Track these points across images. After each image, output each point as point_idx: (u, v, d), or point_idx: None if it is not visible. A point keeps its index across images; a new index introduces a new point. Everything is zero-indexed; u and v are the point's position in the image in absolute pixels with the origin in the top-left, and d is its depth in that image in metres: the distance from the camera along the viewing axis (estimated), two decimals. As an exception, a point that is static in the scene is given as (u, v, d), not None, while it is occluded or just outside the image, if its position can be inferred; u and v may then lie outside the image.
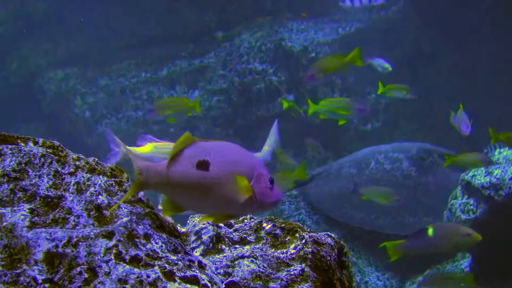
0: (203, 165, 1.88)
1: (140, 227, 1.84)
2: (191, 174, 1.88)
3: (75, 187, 1.90)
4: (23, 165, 1.88)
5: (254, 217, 2.42)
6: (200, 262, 1.89)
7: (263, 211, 2.00)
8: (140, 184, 1.89)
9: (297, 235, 2.19)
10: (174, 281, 1.73)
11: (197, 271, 1.81)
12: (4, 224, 1.72)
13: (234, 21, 9.03)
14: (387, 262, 5.68)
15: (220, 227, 2.30)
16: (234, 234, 2.29)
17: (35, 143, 1.97)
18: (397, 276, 6.08)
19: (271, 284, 1.97)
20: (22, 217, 1.75)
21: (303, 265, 2.06)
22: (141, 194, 1.99)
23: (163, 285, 1.69)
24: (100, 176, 1.96)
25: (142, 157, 2.02)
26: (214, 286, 1.80)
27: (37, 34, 9.41)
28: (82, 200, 1.86)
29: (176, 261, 1.80)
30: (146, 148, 3.98)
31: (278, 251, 2.16)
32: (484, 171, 5.36)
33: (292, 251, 2.14)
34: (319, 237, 2.18)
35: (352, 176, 6.22)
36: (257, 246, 2.20)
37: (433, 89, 8.65)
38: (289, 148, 7.57)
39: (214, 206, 1.92)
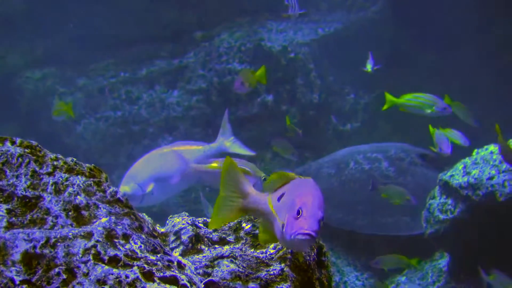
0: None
1: (119, 227, 1.83)
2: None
3: (53, 187, 1.89)
4: (0, 165, 1.86)
5: (234, 217, 2.42)
6: (179, 262, 1.89)
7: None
8: (240, 209, 1.96)
9: (276, 235, 2.19)
10: (153, 281, 1.72)
11: (177, 271, 1.81)
12: (-19, 224, 1.70)
13: (214, 21, 9.01)
14: (364, 261, 5.72)
15: (199, 227, 2.30)
16: (213, 234, 2.29)
17: (13, 143, 1.95)
18: (376, 275, 6.11)
19: (251, 284, 1.97)
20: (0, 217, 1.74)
21: (283, 265, 2.07)
22: (120, 194, 1.98)
23: (142, 285, 1.68)
24: (79, 176, 1.95)
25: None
26: (193, 286, 1.80)
27: (14, 33, 9.32)
28: (60, 201, 1.85)
29: (155, 261, 1.80)
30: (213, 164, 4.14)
31: (258, 251, 2.17)
32: (462, 171, 5.40)
33: (272, 251, 2.14)
34: (298, 237, 2.18)
35: (371, 177, 6.19)
36: (237, 246, 2.20)
37: (412, 89, 8.70)
38: (260, 150, 7.54)
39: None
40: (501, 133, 4.67)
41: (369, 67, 6.79)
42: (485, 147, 5.56)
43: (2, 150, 1.90)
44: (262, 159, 8.20)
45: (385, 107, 5.72)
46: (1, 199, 1.81)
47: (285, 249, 2.12)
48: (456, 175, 5.42)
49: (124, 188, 4.89)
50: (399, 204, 5.56)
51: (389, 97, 5.69)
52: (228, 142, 5.38)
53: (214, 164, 4.33)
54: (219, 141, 5.39)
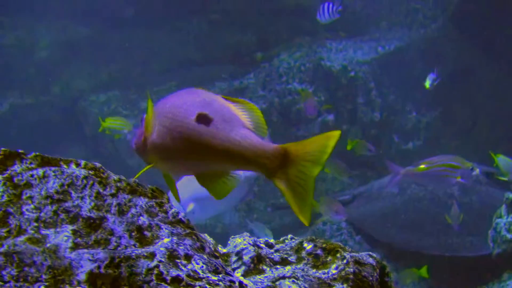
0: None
1: (181, 247, 1.84)
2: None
3: (116, 208, 1.92)
4: (66, 187, 1.90)
5: (295, 238, 2.41)
6: (241, 283, 1.88)
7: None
8: None
9: (338, 255, 2.17)
10: (215, 301, 1.73)
11: (238, 291, 1.81)
12: (48, 245, 1.74)
13: (273, 42, 9.07)
14: (430, 282, 5.61)
15: (261, 248, 2.30)
16: (275, 254, 2.28)
17: (78, 165, 2.00)
18: (441, 296, 5.99)
19: (313, 305, 1.95)
20: (65, 238, 1.77)
21: (345, 285, 2.04)
22: (181, 215, 2.00)
23: (204, 305, 1.69)
24: (141, 198, 1.97)
25: None
26: (255, 306, 1.79)
27: (79, 58, 9.58)
28: (123, 221, 1.88)
29: (217, 282, 1.80)
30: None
31: (320, 271, 2.15)
32: (528, 189, 5.27)
33: (334, 271, 2.12)
34: (360, 257, 2.16)
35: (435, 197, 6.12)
36: (298, 266, 2.19)
37: (476, 106, 8.56)
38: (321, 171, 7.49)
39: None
40: None
41: (427, 83, 6.70)
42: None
43: (67, 172, 1.94)
44: (324, 179, 8.17)
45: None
46: (67, 220, 1.84)
47: (347, 269, 2.09)
48: (523, 193, 5.29)
49: None
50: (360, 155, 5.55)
51: None
52: None
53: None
54: None
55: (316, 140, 1.80)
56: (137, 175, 1.94)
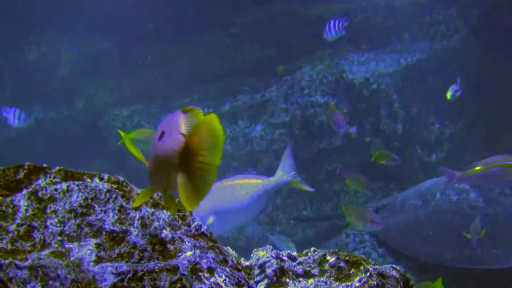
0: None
1: (203, 260, 1.85)
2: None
3: (139, 221, 1.92)
4: (89, 201, 1.92)
5: (318, 250, 2.40)
6: (263, 296, 1.88)
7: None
8: None
9: (361, 267, 2.16)
10: (238, 315, 1.72)
11: (261, 305, 1.81)
12: (72, 259, 1.75)
13: (295, 55, 9.07)
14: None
15: (284, 261, 2.29)
16: (298, 267, 2.27)
17: (101, 179, 2.01)
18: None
19: (336, 318, 1.94)
20: (89, 252, 1.78)
21: (368, 298, 2.03)
22: (204, 228, 2.00)
23: (227, 319, 1.69)
24: (164, 211, 1.98)
25: None
26: (278, 320, 1.79)
27: (102, 72, 9.66)
28: (146, 235, 1.88)
29: (240, 295, 1.80)
30: None
31: (343, 284, 2.14)
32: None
33: (357, 284, 2.11)
34: (383, 270, 2.15)
35: (460, 208, 6.10)
36: (321, 279, 2.18)
37: (500, 118, 8.49)
38: (343, 183, 7.47)
39: None
40: None
41: (449, 94, 6.66)
42: None
43: (91, 186, 1.95)
44: (347, 192, 8.13)
45: None
46: (91, 234, 1.85)
47: (370, 282, 2.08)
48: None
49: None
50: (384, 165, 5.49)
51: None
52: (287, 176, 5.39)
53: None
54: (278, 176, 5.41)
55: (201, 127, 1.77)
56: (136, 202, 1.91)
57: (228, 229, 5.69)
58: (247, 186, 5.24)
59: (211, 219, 5.08)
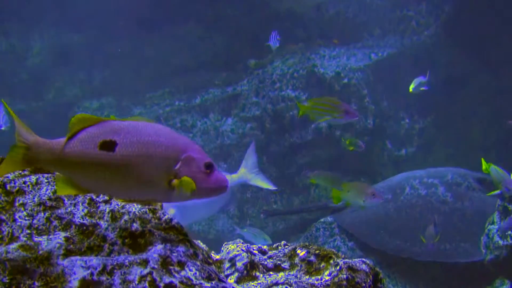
0: (107, 145, 1.76)
1: (174, 254, 1.84)
2: (92, 155, 1.75)
3: (109, 215, 1.91)
4: (59, 194, 1.90)
5: (288, 244, 2.41)
6: (234, 290, 1.88)
7: (199, 198, 1.87)
8: (28, 159, 1.77)
9: (331, 261, 2.17)
10: (209, 308, 1.72)
11: (231, 298, 1.81)
12: (41, 252, 1.74)
13: (266, 49, 9.07)
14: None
15: (254, 254, 2.30)
16: (268, 261, 2.28)
17: (71, 171, 1.99)
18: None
19: (306, 312, 1.95)
20: (58, 245, 1.77)
21: (338, 292, 2.04)
22: (174, 221, 2.00)
23: (197, 312, 1.68)
24: (135, 204, 1.97)
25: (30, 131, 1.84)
26: (249, 313, 1.79)
27: (72, 64, 9.56)
28: (116, 228, 1.87)
29: (210, 289, 1.80)
30: None
31: (313, 277, 2.15)
32: (521, 195, 5.27)
33: (327, 278, 2.12)
34: (353, 264, 2.16)
35: (428, 203, 6.15)
36: (292, 273, 2.19)
37: (468, 113, 8.58)
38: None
39: (130, 189, 1.79)
40: None
41: (412, 86, 6.74)
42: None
43: (60, 179, 1.93)
44: (317, 185, 8.16)
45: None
46: (60, 227, 1.84)
47: (340, 275, 2.09)
48: (516, 200, 5.30)
49: None
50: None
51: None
52: (250, 174, 5.38)
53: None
54: (241, 172, 5.40)
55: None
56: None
57: (188, 222, 5.67)
58: None
59: (172, 211, 5.08)
